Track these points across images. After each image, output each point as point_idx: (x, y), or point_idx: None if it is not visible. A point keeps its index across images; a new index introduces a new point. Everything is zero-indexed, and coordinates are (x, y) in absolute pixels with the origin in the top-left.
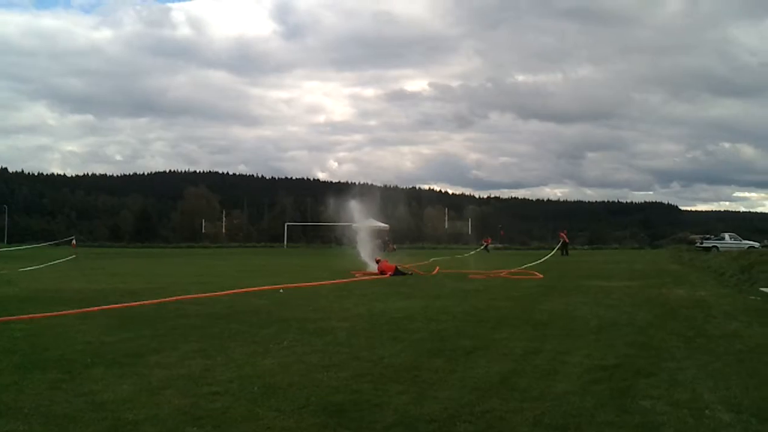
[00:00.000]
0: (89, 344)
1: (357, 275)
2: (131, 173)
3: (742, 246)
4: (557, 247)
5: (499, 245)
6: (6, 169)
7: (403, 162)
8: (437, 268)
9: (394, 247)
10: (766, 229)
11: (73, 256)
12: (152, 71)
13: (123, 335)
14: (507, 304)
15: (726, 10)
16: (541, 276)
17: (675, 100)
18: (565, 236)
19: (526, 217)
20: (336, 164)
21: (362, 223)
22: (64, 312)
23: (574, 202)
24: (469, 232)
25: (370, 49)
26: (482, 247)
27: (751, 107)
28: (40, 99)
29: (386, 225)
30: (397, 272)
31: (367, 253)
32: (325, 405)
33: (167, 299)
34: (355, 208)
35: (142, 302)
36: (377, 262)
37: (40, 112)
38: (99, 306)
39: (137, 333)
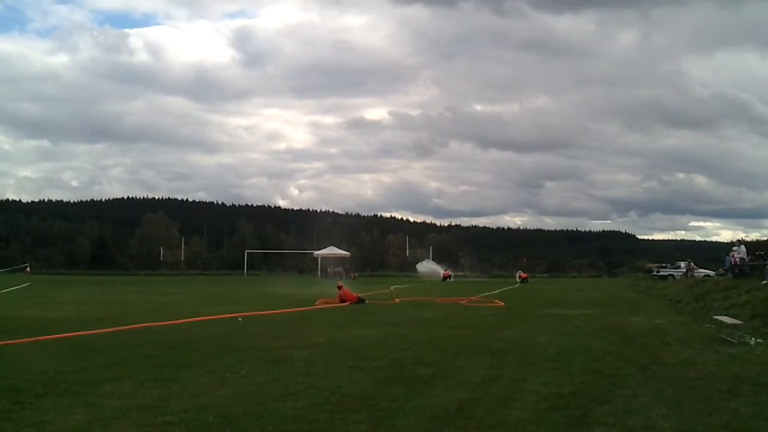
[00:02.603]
0: (41, 374)
1: (318, 303)
2: (88, 199)
3: (698, 275)
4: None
5: (460, 273)
6: None
7: (364, 190)
8: (396, 299)
9: (356, 274)
10: (721, 258)
11: (27, 283)
12: (109, 97)
13: (76, 364)
14: (466, 333)
15: (678, 43)
16: (503, 303)
17: (630, 131)
18: (523, 275)
19: (487, 246)
20: (297, 192)
21: (323, 251)
22: (16, 341)
23: (534, 230)
24: (430, 260)
25: (330, 78)
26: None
27: (704, 138)
28: None
29: (347, 253)
30: (359, 300)
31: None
32: None
33: (123, 328)
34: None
35: (97, 331)
36: (339, 288)
37: None
38: (52, 335)
39: (91, 362)
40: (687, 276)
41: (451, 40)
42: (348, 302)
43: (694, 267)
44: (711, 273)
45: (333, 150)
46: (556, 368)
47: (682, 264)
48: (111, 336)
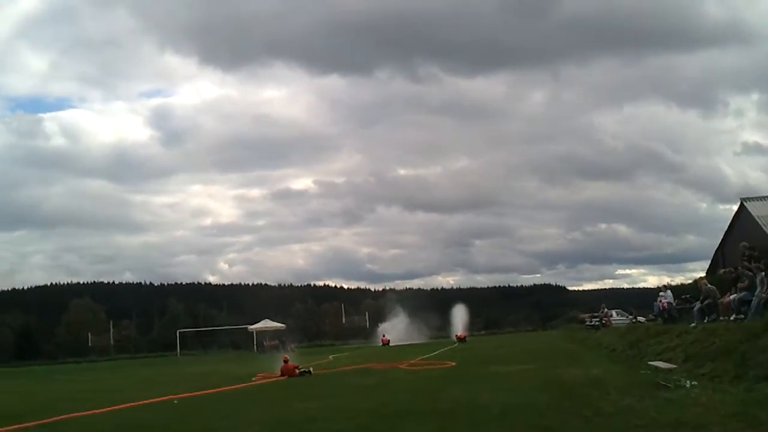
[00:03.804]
0: None
1: (257, 378)
2: (9, 289)
3: (625, 320)
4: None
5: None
6: None
7: (295, 260)
8: (336, 368)
9: (293, 347)
10: (649, 304)
11: None
12: (26, 183)
13: None
14: (409, 397)
15: (587, 99)
16: (454, 363)
17: (549, 186)
18: (461, 335)
19: (422, 307)
20: (227, 266)
21: (258, 325)
22: None
23: (468, 288)
24: (367, 326)
25: (253, 151)
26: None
27: (619, 188)
28: None
29: (282, 325)
30: (302, 373)
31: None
32: None
33: (48, 420)
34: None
35: (18, 426)
36: (285, 361)
37: None
38: None
39: None
40: (602, 324)
41: (369, 108)
42: (286, 376)
43: (609, 314)
44: (641, 319)
45: (260, 222)
46: (503, 426)
47: (613, 312)
48: (36, 429)
